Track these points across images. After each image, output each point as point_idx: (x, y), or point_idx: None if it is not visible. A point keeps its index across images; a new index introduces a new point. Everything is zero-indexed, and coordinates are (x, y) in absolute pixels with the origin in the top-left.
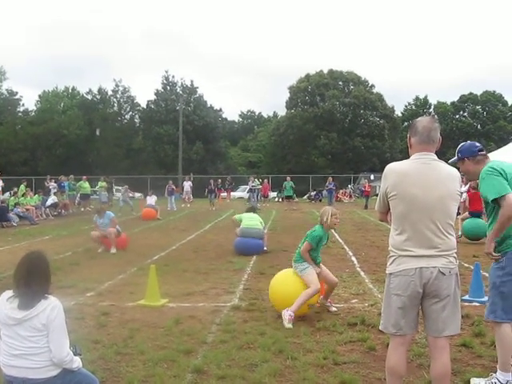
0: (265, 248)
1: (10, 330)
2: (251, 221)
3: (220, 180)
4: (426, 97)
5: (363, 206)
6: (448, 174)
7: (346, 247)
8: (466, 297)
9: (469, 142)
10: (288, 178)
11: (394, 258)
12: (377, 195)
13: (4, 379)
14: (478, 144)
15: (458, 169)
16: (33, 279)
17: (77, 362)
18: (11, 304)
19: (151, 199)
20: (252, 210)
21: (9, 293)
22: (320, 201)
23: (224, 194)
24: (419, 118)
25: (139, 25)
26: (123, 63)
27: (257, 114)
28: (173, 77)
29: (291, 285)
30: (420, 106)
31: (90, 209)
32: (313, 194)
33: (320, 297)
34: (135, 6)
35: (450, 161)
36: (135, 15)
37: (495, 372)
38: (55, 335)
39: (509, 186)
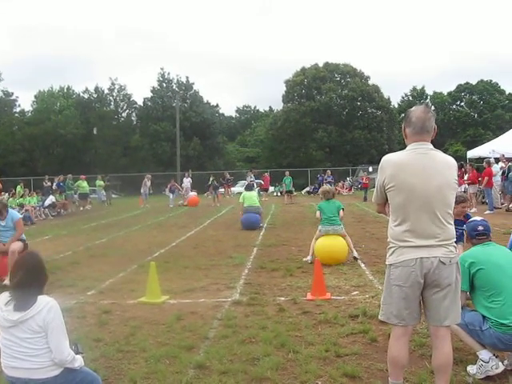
0: (261, 225)
1: (8, 332)
2: (251, 200)
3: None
4: (422, 87)
5: (362, 198)
6: (445, 163)
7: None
8: None
9: (477, 220)
10: (287, 173)
11: (393, 248)
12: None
13: (6, 380)
14: (480, 228)
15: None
16: (27, 280)
17: (78, 361)
18: (8, 306)
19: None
20: (249, 187)
21: (6, 295)
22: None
23: (222, 190)
24: (413, 108)
25: (129, 23)
26: (117, 62)
27: (253, 108)
28: (168, 74)
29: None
30: (417, 97)
31: (89, 208)
32: (311, 188)
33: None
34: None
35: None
36: (125, 13)
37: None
38: (54, 336)
39: (468, 280)
